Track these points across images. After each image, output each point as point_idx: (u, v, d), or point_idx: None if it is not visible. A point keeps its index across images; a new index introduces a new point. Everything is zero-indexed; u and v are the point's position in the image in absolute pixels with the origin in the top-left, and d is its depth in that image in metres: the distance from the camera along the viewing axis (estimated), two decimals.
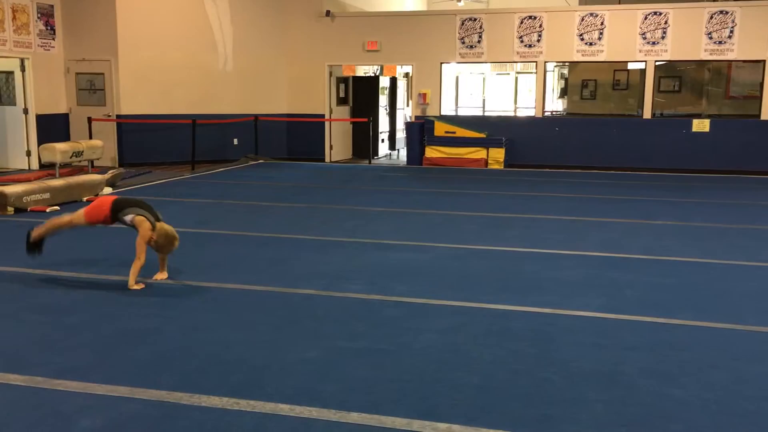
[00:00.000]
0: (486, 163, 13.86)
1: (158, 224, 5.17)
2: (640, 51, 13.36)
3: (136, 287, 5.07)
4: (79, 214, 5.37)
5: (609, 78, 15.71)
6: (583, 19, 13.51)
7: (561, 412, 3.23)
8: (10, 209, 8.10)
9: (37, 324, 4.44)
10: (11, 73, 12.55)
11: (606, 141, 13.73)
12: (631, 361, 3.86)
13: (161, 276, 5.32)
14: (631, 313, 4.69)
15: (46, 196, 8.60)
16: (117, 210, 5.24)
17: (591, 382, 3.57)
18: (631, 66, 15.14)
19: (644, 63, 13.58)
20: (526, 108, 19.05)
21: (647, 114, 13.68)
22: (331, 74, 15.01)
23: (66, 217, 5.43)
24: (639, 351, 4.01)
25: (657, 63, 13.53)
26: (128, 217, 5.19)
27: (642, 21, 13.25)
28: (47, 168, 11.06)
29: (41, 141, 11.92)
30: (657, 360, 3.88)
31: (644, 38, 13.28)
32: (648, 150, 13.51)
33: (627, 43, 13.36)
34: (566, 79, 17.06)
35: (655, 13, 13.18)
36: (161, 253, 5.26)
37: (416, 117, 14.65)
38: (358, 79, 16.34)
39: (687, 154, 13.35)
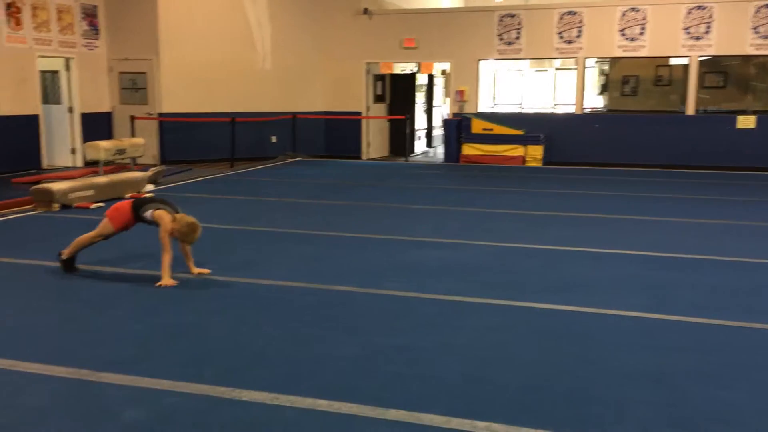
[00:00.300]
0: (524, 160, 13.73)
1: (178, 215, 5.25)
2: (683, 46, 13.08)
3: (170, 283, 5.11)
4: (104, 223, 5.46)
5: (651, 74, 15.43)
6: (624, 14, 13.28)
7: (604, 412, 3.18)
8: (56, 205, 8.29)
9: (82, 318, 4.54)
10: (56, 72, 12.85)
11: (647, 138, 13.47)
12: (677, 362, 3.78)
13: (204, 271, 5.39)
14: (678, 314, 4.59)
15: (91, 192, 8.77)
16: (137, 208, 5.37)
17: (635, 382, 3.50)
18: (673, 61, 14.84)
19: (687, 58, 13.30)
20: (565, 105, 18.81)
21: (690, 110, 13.40)
22: (368, 72, 15.03)
23: (91, 233, 5.50)
24: (685, 352, 3.92)
25: (700, 58, 13.24)
26: (148, 213, 5.29)
27: (685, 15, 12.97)
28: (91, 165, 11.28)
29: (86, 139, 12.18)
30: (704, 361, 3.80)
31: (688, 33, 13.00)
32: (691, 147, 13.23)
33: (670, 38, 13.09)
34: (607, 75, 16.81)
35: (699, 7, 12.89)
36: (186, 243, 5.28)
37: (453, 114, 14.59)
38: (395, 77, 16.33)
39: (732, 151, 13.04)
